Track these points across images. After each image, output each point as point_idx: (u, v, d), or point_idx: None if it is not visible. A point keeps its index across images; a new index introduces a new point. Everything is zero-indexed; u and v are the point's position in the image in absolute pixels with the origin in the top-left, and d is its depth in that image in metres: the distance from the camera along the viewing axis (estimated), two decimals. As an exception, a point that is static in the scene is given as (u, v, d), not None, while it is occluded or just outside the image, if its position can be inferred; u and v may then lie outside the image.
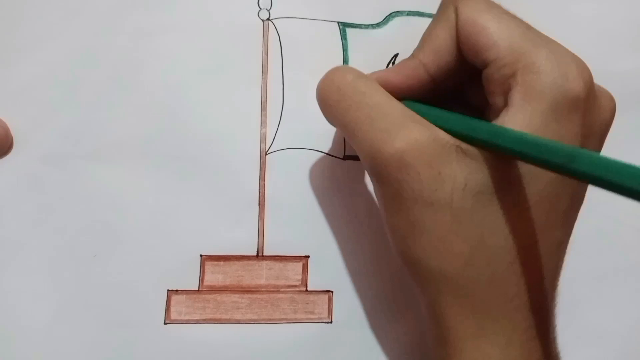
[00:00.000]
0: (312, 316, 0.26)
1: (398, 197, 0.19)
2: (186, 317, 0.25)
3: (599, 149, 0.20)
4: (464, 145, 0.18)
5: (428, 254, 0.19)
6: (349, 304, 0.26)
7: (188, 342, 0.25)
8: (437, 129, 0.19)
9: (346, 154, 0.27)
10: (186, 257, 0.25)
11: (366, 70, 0.27)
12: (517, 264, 0.19)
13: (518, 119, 0.18)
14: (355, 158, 0.27)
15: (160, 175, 0.26)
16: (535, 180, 0.18)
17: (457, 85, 0.22)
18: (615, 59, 0.28)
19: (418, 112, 0.20)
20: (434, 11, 0.25)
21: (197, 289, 0.25)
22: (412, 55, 0.22)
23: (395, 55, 0.27)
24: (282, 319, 0.25)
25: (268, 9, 0.27)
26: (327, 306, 0.26)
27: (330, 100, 0.21)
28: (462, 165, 0.18)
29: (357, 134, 0.20)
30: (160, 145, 0.26)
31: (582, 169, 0.15)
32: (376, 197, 0.21)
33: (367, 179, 0.27)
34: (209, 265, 0.25)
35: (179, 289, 0.25)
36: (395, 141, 0.18)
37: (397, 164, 0.18)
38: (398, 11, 0.28)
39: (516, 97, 0.18)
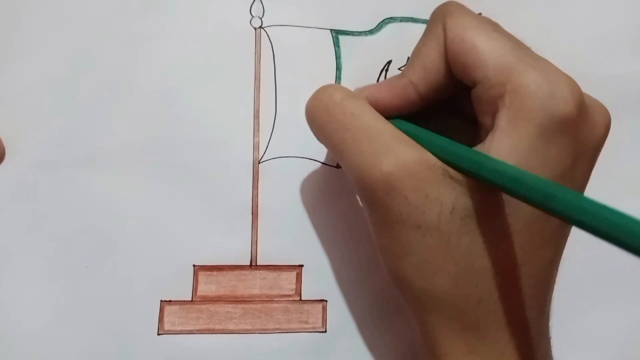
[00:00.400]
0: (306, 326, 0.25)
1: (386, 220, 0.19)
2: (179, 328, 0.25)
3: (592, 166, 0.20)
4: (450, 170, 0.18)
5: (417, 274, 0.19)
6: (343, 313, 0.26)
7: (182, 352, 0.25)
8: (425, 150, 0.19)
9: (340, 162, 0.27)
10: (179, 267, 0.25)
11: (360, 77, 0.27)
12: (506, 285, 0.18)
13: (504, 143, 0.18)
14: (348, 166, 0.26)
15: (153, 184, 0.26)
16: (523, 204, 0.18)
17: (449, 98, 0.22)
18: (612, 62, 0.28)
19: (406, 132, 0.19)
20: (427, 17, 0.25)
21: (190, 299, 0.25)
22: (402, 73, 0.21)
23: (389, 62, 0.27)
24: (276, 328, 0.25)
25: (260, 16, 0.27)
26: (321, 315, 0.26)
27: (319, 120, 0.21)
28: (450, 189, 0.18)
29: (346, 156, 0.19)
30: (153, 153, 0.26)
31: (559, 208, 0.15)
32: (366, 217, 0.21)
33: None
34: (202, 276, 0.25)
35: (172, 300, 0.25)
36: (383, 164, 0.18)
37: (384, 188, 0.18)
38: (391, 17, 0.27)
39: (503, 119, 0.18)
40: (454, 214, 0.18)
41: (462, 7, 0.20)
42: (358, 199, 0.23)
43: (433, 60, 0.20)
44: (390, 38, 0.27)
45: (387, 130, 0.19)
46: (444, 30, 0.20)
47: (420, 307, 0.19)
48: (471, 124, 0.21)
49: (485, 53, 0.18)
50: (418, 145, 0.19)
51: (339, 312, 0.25)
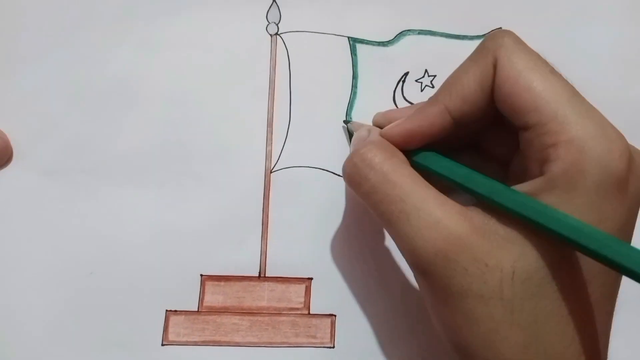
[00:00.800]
0: (314, 340, 0.25)
1: (446, 291, 0.19)
2: (184, 339, 0.25)
3: (637, 216, 0.20)
4: (502, 230, 0.18)
5: (482, 345, 0.19)
6: (352, 328, 0.25)
7: (186, 364, 0.24)
8: (472, 215, 0.19)
9: (353, 173, 0.26)
10: (186, 276, 0.25)
11: (376, 87, 0.27)
12: (574, 345, 0.18)
13: (560, 197, 0.17)
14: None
15: (162, 191, 0.26)
16: (582, 260, 0.18)
17: (477, 132, 0.21)
18: (629, 85, 0.28)
19: (447, 172, 0.20)
20: (446, 30, 0.24)
21: (196, 309, 0.25)
22: (435, 100, 0.21)
23: (406, 74, 0.27)
24: (283, 342, 0.25)
25: (277, 22, 0.27)
26: (329, 330, 0.25)
27: (362, 189, 0.20)
28: (506, 253, 0.18)
29: (394, 228, 0.19)
30: (163, 160, 0.26)
31: (622, 262, 0.15)
32: (420, 288, 0.21)
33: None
34: (209, 286, 0.25)
35: (177, 309, 0.25)
36: (437, 240, 0.18)
37: (442, 262, 0.18)
38: (409, 29, 0.28)
39: (557, 171, 0.18)
40: (515, 279, 0.18)
41: (519, 42, 0.19)
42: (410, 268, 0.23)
43: (474, 92, 0.19)
44: (407, 50, 0.27)
45: (431, 197, 0.19)
46: (495, 65, 0.19)
47: None
48: (491, 162, 0.21)
49: (541, 98, 0.18)
50: (464, 209, 0.19)
51: (348, 328, 0.25)
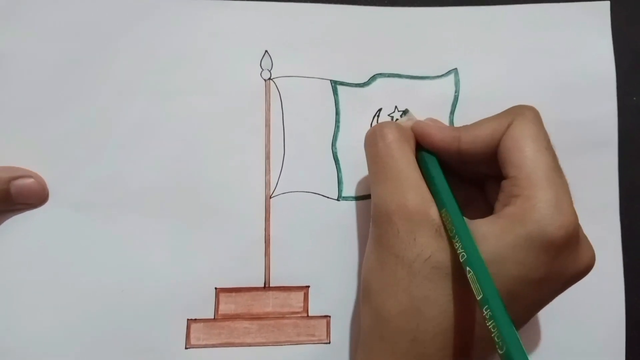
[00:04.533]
0: (313, 338, 0.29)
1: (380, 240, 0.23)
2: (204, 342, 0.28)
3: (558, 292, 0.23)
4: (440, 229, 0.22)
5: (380, 290, 0.22)
6: (344, 327, 0.29)
7: (206, 364, 0.28)
8: (432, 205, 0.22)
9: (342, 195, 0.30)
10: (203, 290, 0.29)
11: (356, 121, 0.30)
12: (440, 337, 0.21)
13: (495, 229, 0.21)
14: (348, 199, 0.30)
15: (178, 220, 0.29)
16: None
17: (476, 173, 0.26)
18: (571, 109, 0.31)
19: (432, 172, 0.24)
20: (410, 73, 0.29)
21: (213, 317, 0.29)
22: (457, 129, 0.25)
23: (380, 110, 0.31)
24: (287, 341, 0.29)
25: (269, 69, 0.31)
26: (325, 329, 0.29)
27: (370, 150, 0.25)
28: (433, 242, 0.22)
29: (376, 184, 0.24)
30: (177, 193, 0.29)
31: (489, 312, 0.19)
32: (369, 231, 0.25)
33: (359, 218, 0.30)
34: (222, 297, 0.29)
35: (197, 318, 0.28)
36: (393, 203, 0.22)
37: (387, 219, 0.22)
38: (380, 73, 0.31)
39: (506, 213, 0.21)
40: (428, 262, 0.21)
41: (535, 116, 0.23)
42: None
43: (485, 136, 0.24)
44: (379, 90, 0.31)
45: (412, 179, 0.23)
46: (509, 125, 0.23)
47: (369, 317, 0.23)
48: (483, 200, 0.26)
49: (526, 160, 0.22)
50: (430, 199, 0.22)
51: (341, 326, 0.29)
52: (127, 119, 0.29)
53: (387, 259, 0.22)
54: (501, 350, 0.18)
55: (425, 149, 0.26)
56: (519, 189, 0.22)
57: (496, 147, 0.23)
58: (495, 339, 0.19)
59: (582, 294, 0.29)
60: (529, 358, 0.19)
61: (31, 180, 0.28)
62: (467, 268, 0.20)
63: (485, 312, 0.19)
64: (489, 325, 0.19)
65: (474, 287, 0.20)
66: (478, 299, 0.19)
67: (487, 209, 0.25)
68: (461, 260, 0.21)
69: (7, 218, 0.28)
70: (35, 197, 0.28)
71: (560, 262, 0.21)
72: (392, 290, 0.22)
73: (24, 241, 0.28)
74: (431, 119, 0.28)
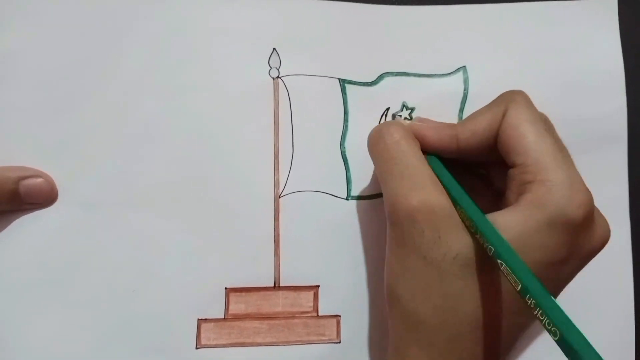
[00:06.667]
0: (323, 338, 0.29)
1: (402, 242, 0.23)
2: (214, 342, 0.28)
3: (580, 269, 0.23)
4: (464, 226, 0.22)
5: (410, 295, 0.22)
6: (354, 326, 0.29)
7: (216, 363, 0.28)
8: (449, 200, 0.22)
9: (351, 195, 0.30)
10: (213, 290, 0.29)
11: (364, 120, 0.30)
12: (475, 334, 0.21)
13: (516, 217, 0.21)
14: (357, 199, 0.30)
15: (188, 219, 0.29)
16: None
17: (478, 162, 0.26)
18: (580, 105, 0.31)
19: (438, 173, 0.23)
20: (418, 71, 0.29)
21: (223, 317, 0.29)
22: (453, 127, 0.25)
23: (387, 109, 0.31)
24: (297, 340, 0.29)
25: (277, 67, 0.31)
26: (335, 329, 0.29)
27: (377, 148, 0.25)
28: (459, 238, 0.21)
29: (389, 183, 0.23)
30: (187, 192, 0.29)
31: (533, 300, 0.18)
32: (387, 234, 0.24)
33: (368, 217, 0.30)
34: (232, 296, 0.29)
35: (207, 318, 0.29)
36: (414, 199, 0.22)
37: (409, 218, 0.22)
38: (388, 72, 0.31)
39: (524, 200, 0.21)
40: (456, 260, 0.21)
41: (527, 101, 0.23)
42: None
43: (483, 129, 0.24)
44: (387, 89, 0.31)
45: (425, 173, 0.23)
46: (504, 113, 0.23)
47: (401, 324, 0.23)
48: (488, 188, 0.26)
49: (530, 145, 0.22)
50: (445, 194, 0.22)
51: (351, 326, 0.29)
52: (135, 118, 0.29)
53: (413, 262, 0.22)
54: (555, 336, 0.18)
55: (424, 151, 0.25)
56: (531, 175, 0.22)
57: (495, 137, 0.23)
58: (546, 325, 0.18)
59: (592, 289, 0.30)
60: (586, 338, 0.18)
61: (40, 179, 0.28)
62: (499, 260, 0.20)
63: (529, 301, 0.19)
64: (536, 313, 0.18)
65: (510, 278, 0.19)
66: (517, 289, 0.19)
67: (492, 198, 0.26)
68: (489, 254, 0.20)
69: (17, 218, 0.28)
70: (44, 197, 0.28)
71: (580, 240, 0.21)
72: (425, 294, 0.22)
73: (33, 241, 0.28)
74: (420, 118, 0.27)
